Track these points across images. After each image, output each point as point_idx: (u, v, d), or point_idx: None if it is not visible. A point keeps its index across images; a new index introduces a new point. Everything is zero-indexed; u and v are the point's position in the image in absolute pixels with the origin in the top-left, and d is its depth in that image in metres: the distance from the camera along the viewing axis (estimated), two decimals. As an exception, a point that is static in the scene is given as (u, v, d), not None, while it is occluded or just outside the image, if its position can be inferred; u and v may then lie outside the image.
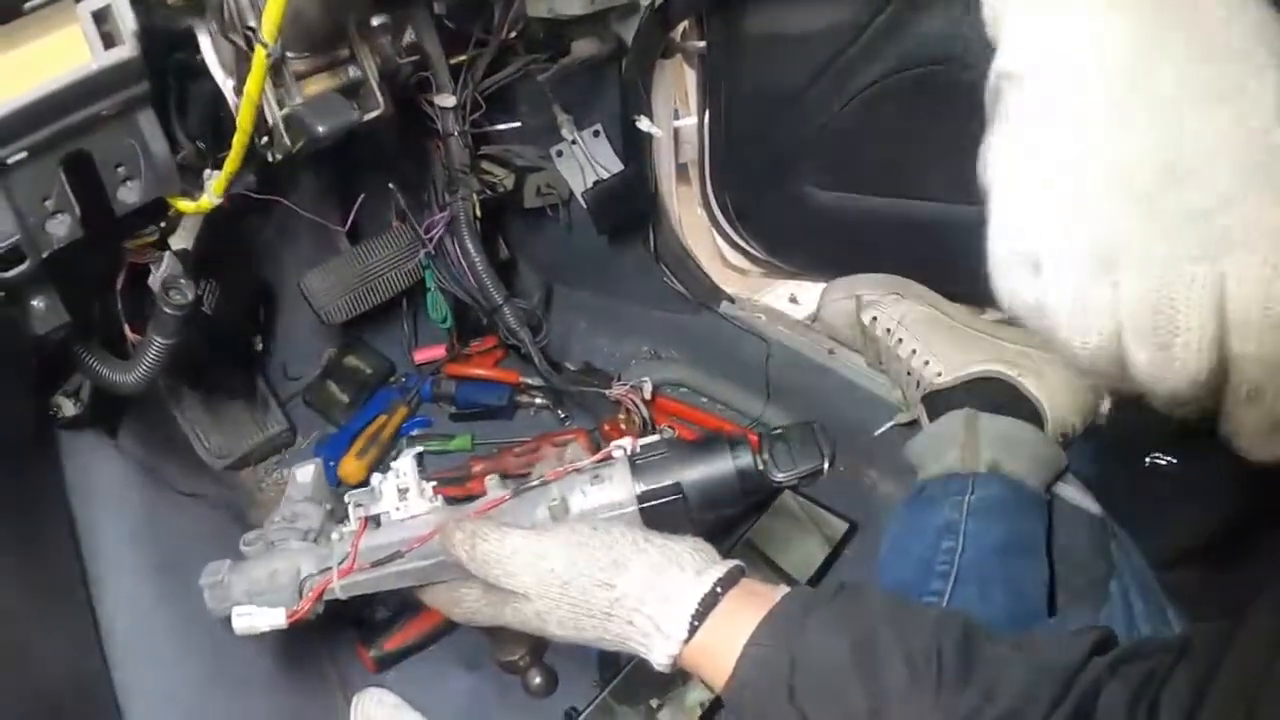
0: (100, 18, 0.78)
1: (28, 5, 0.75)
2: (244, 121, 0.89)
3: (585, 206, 1.40)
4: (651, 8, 1.22)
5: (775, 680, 0.66)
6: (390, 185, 1.39)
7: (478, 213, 1.34)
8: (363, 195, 1.35)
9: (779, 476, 0.84)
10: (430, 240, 1.36)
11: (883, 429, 1.31)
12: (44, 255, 0.85)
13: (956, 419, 1.17)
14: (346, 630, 1.29)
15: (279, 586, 0.91)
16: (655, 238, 1.50)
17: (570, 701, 1.15)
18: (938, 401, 1.22)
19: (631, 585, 0.72)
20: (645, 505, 0.83)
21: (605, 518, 0.82)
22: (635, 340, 1.60)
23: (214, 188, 0.94)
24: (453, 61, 1.23)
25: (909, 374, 1.27)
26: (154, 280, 1.01)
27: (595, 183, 1.39)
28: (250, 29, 0.88)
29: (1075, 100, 0.45)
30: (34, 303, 0.90)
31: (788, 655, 0.66)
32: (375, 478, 0.93)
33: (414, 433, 1.54)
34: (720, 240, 1.64)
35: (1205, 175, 0.41)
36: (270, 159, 0.99)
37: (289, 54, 0.95)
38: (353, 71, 1.02)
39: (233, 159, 0.92)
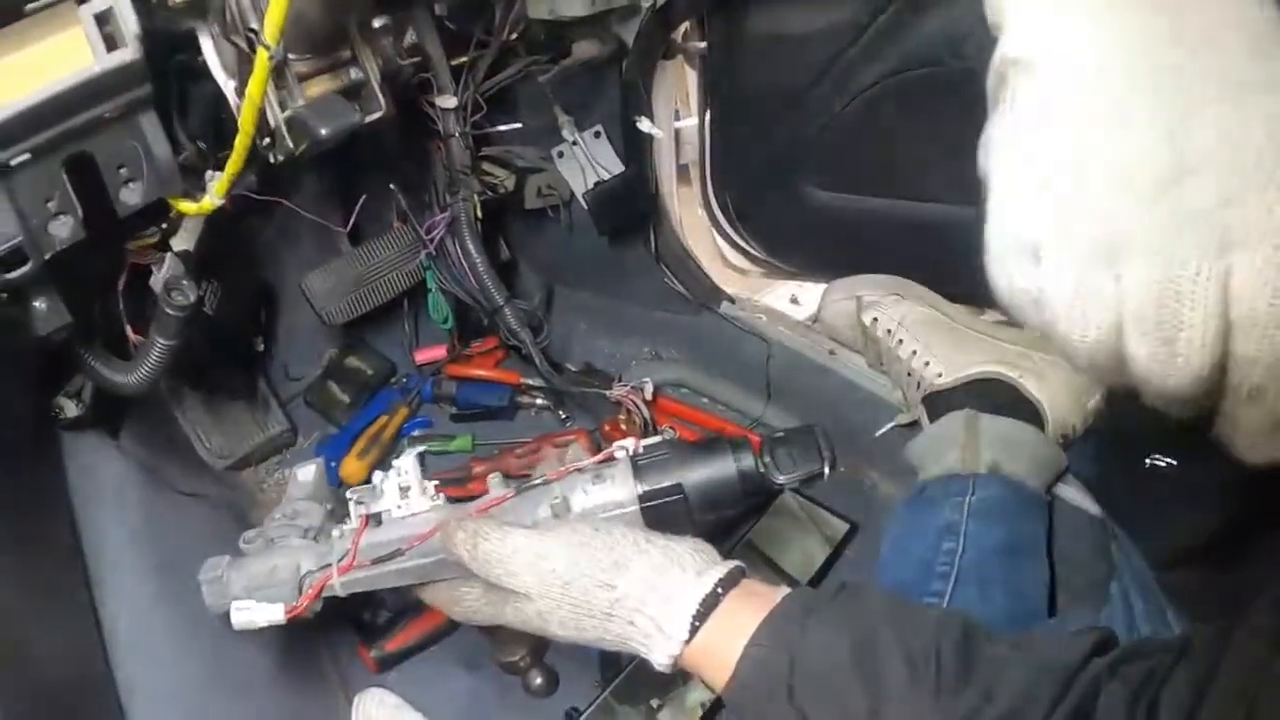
0: (102, 20, 0.78)
1: (29, 7, 0.75)
2: (246, 123, 0.89)
3: (586, 207, 1.40)
4: (652, 9, 1.22)
5: (775, 681, 0.66)
6: (391, 186, 1.39)
7: (479, 214, 1.34)
8: (364, 196, 1.35)
9: (780, 479, 0.84)
10: (431, 241, 1.36)
11: (883, 430, 1.31)
12: (46, 257, 0.86)
13: (957, 420, 1.17)
14: (348, 631, 1.29)
15: (278, 582, 0.91)
16: (656, 238, 1.50)
17: (571, 702, 1.16)
18: (938, 402, 1.22)
19: (633, 586, 0.72)
20: (647, 505, 0.83)
21: (606, 517, 0.83)
22: (636, 341, 1.60)
23: (216, 189, 0.94)
24: (454, 63, 1.23)
25: (909, 375, 1.27)
26: (156, 281, 1.01)
27: (596, 184, 1.39)
28: (252, 31, 0.88)
29: (1079, 90, 0.44)
30: (36, 304, 0.91)
31: (787, 656, 0.67)
32: (377, 475, 0.93)
33: (415, 433, 1.54)
34: (721, 241, 1.64)
35: (1212, 171, 0.41)
36: (272, 160, 0.99)
37: (291, 56, 0.95)
38: (354, 73, 1.02)
39: (235, 160, 0.92)
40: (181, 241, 1.04)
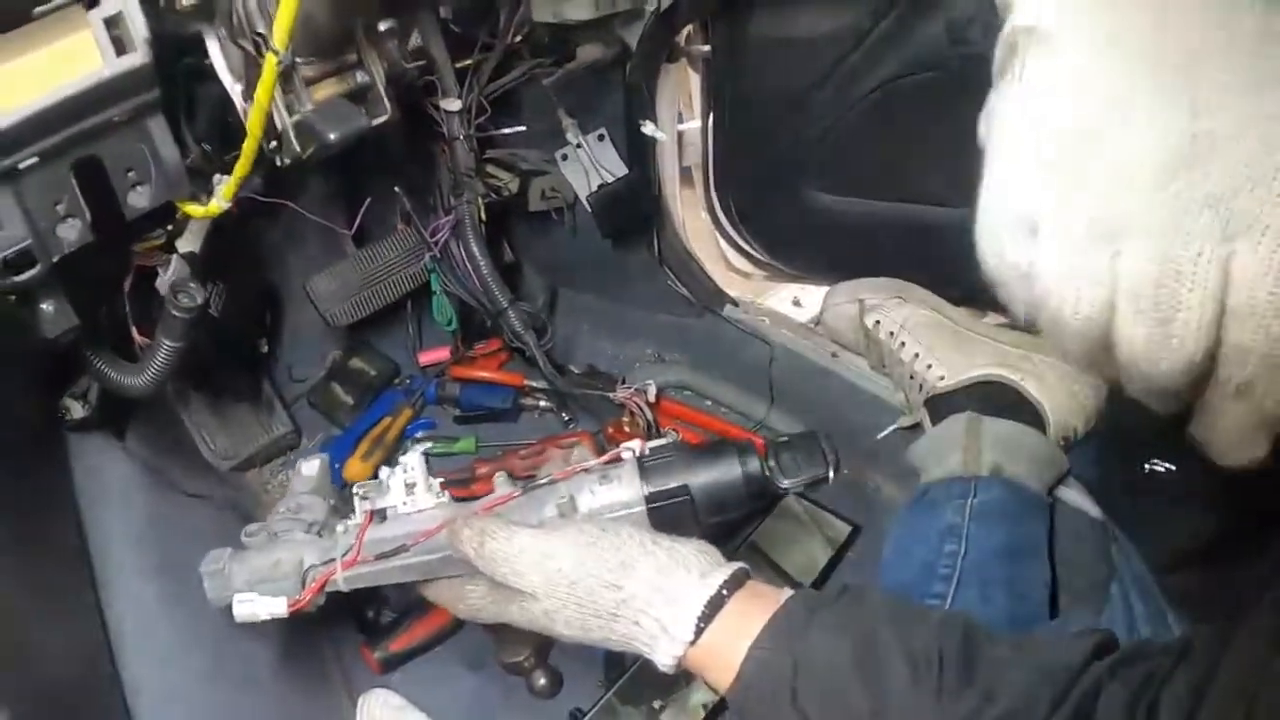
0: (112, 24, 0.79)
1: (36, 10, 0.76)
2: (254, 127, 0.90)
3: (589, 210, 1.41)
4: (656, 13, 1.22)
5: (778, 683, 0.67)
6: (396, 189, 1.39)
7: (483, 216, 1.35)
8: (369, 199, 1.35)
9: (785, 483, 0.85)
10: (435, 243, 1.37)
11: (885, 432, 1.31)
12: (55, 259, 0.86)
13: (959, 422, 1.17)
14: (351, 632, 1.29)
15: (281, 576, 0.89)
16: (659, 241, 1.50)
17: (575, 702, 1.16)
18: (940, 405, 1.22)
19: (639, 587, 0.72)
20: (653, 506, 0.83)
21: (612, 517, 0.83)
22: (639, 343, 1.60)
23: (223, 192, 0.95)
24: (458, 66, 1.24)
25: (911, 377, 1.27)
26: (162, 283, 1.02)
27: (599, 186, 1.40)
28: (259, 34, 0.89)
29: (1092, 63, 0.43)
30: (44, 306, 0.91)
31: (791, 658, 0.67)
32: (383, 471, 0.93)
33: (419, 435, 1.55)
34: (724, 243, 1.64)
35: (1224, 157, 0.40)
36: (278, 163, 1.00)
37: (298, 59, 0.95)
38: (360, 76, 1.03)
39: (242, 164, 0.93)
40: (187, 244, 1.04)
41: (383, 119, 1.04)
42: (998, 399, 1.18)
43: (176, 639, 1.13)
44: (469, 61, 1.24)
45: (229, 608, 0.90)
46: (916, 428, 1.27)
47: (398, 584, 0.90)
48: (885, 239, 1.38)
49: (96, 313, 1.05)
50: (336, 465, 1.44)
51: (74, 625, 1.06)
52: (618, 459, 0.87)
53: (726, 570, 0.73)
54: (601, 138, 1.42)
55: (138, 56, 0.80)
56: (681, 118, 1.54)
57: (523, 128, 1.41)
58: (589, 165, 1.41)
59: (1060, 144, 0.43)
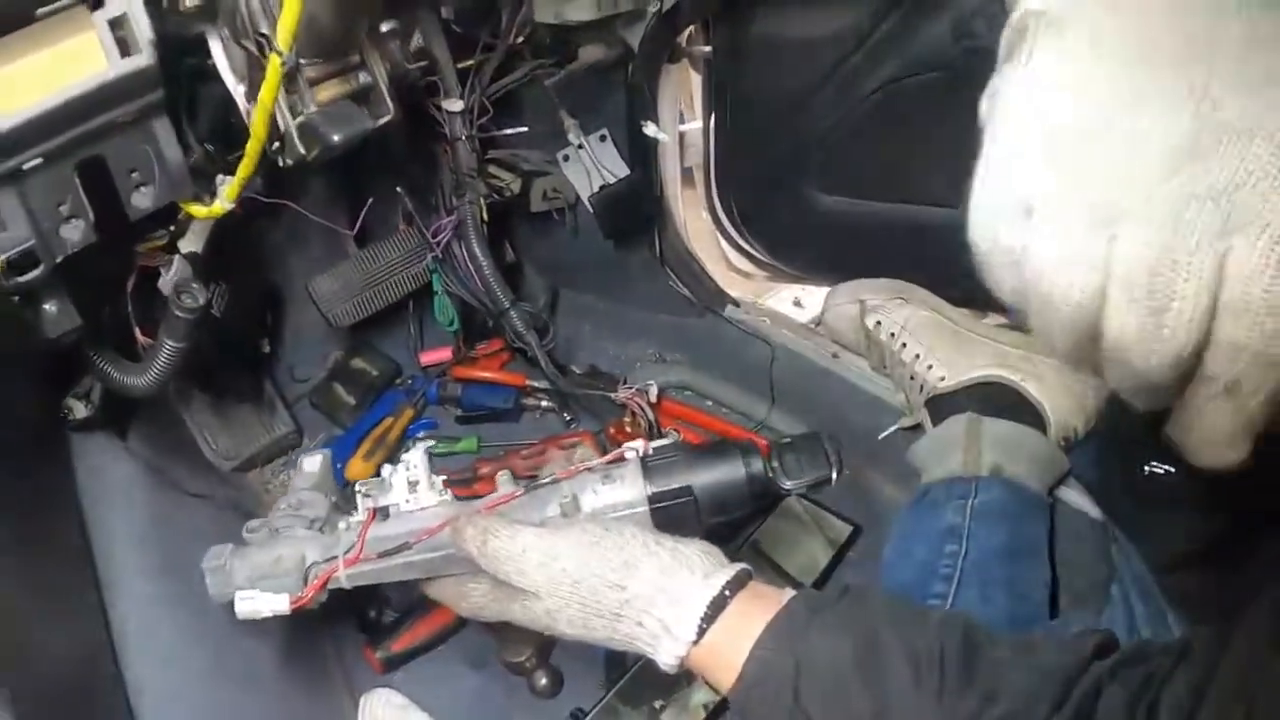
0: (116, 25, 0.79)
1: (40, 11, 0.76)
2: (258, 128, 0.90)
3: (591, 210, 1.41)
4: (658, 13, 1.23)
5: (780, 683, 0.67)
6: (398, 189, 1.39)
7: (484, 216, 1.35)
8: (371, 199, 1.35)
9: (788, 484, 0.85)
10: (437, 244, 1.37)
11: (886, 433, 1.31)
12: (58, 260, 0.86)
13: (959, 423, 1.17)
14: (353, 631, 1.30)
15: (283, 572, 0.89)
16: (660, 242, 1.51)
17: (576, 702, 1.16)
18: (941, 405, 1.22)
19: (642, 587, 0.72)
20: (656, 506, 0.84)
21: (615, 517, 0.83)
22: (641, 344, 1.60)
23: (227, 193, 0.95)
24: (460, 66, 1.24)
25: (912, 378, 1.27)
26: (165, 284, 1.02)
27: (601, 187, 1.40)
28: (263, 35, 0.89)
29: (1101, 50, 0.42)
30: (47, 306, 0.91)
31: (792, 658, 0.67)
32: (386, 469, 0.93)
33: (420, 435, 1.54)
34: (725, 244, 1.64)
35: (1228, 152, 0.39)
36: (281, 164, 1.00)
37: (301, 60, 0.95)
38: (363, 77, 1.03)
39: (246, 165, 0.93)
40: (190, 244, 1.04)
41: (385, 120, 1.04)
42: (998, 400, 1.18)
43: (179, 638, 1.13)
44: (471, 62, 1.25)
45: (231, 604, 0.89)
46: (917, 428, 1.27)
47: (400, 583, 0.91)
48: (886, 240, 1.39)
49: (99, 313, 1.05)
50: (338, 465, 1.44)
51: (76, 625, 1.06)
52: (621, 459, 0.88)
53: (729, 571, 0.73)
54: (603, 138, 1.42)
55: (143, 58, 0.80)
56: (683, 118, 1.54)
57: (524, 128, 1.41)
58: (591, 166, 1.41)
59: (1065, 129, 0.43)
